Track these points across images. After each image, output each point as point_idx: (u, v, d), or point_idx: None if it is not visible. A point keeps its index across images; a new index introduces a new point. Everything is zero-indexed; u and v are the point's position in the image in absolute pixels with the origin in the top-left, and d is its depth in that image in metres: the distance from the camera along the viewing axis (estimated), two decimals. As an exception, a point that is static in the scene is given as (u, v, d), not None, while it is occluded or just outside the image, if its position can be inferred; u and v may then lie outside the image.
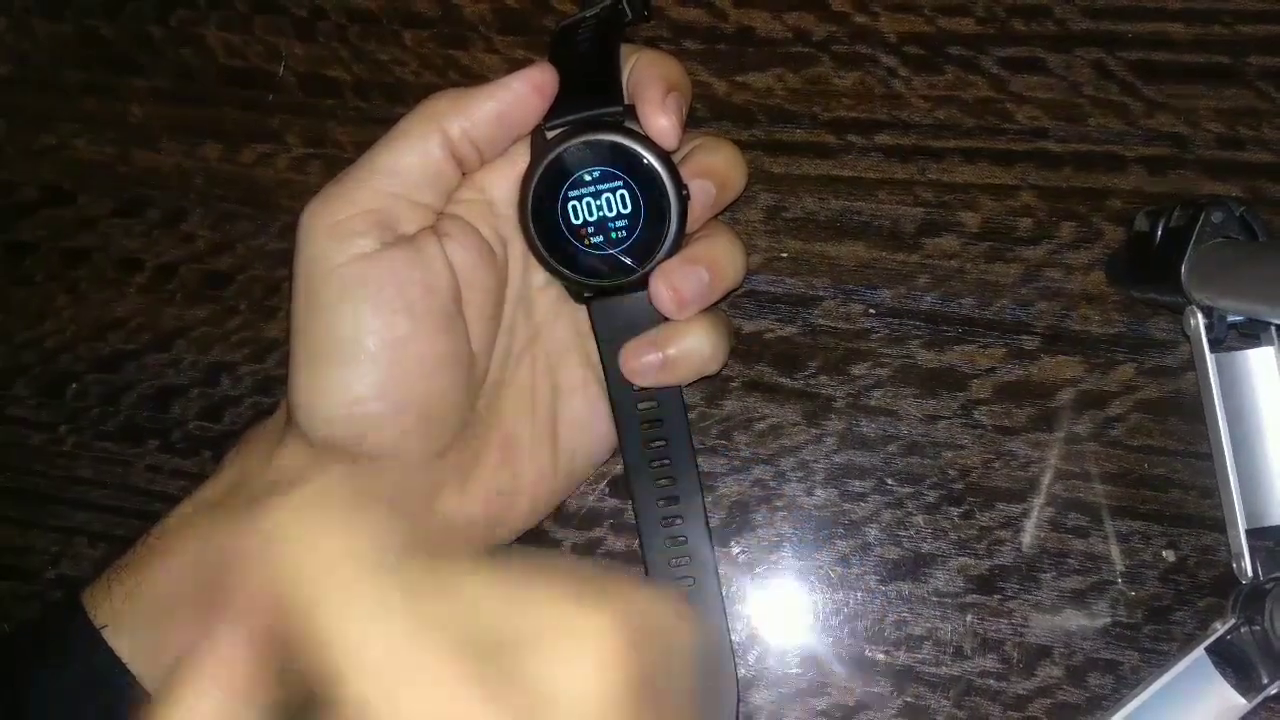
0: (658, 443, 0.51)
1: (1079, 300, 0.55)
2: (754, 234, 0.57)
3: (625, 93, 0.49)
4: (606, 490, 0.57)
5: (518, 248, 0.51)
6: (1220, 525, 0.51)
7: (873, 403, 0.56)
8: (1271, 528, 0.49)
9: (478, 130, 0.48)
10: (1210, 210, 0.49)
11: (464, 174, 0.49)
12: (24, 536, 0.62)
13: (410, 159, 0.47)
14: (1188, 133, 0.55)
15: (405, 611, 0.29)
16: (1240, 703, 0.48)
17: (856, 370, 0.56)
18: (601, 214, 0.48)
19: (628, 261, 0.49)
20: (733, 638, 0.54)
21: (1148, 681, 0.48)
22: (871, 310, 0.57)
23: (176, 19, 0.63)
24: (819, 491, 0.56)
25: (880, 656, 0.55)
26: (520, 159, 0.49)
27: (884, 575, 0.56)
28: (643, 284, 0.49)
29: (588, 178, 0.48)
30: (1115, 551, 0.54)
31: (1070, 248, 0.55)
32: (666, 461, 0.51)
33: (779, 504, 0.56)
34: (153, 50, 0.63)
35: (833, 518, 0.56)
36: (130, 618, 0.47)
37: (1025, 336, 0.55)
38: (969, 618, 0.55)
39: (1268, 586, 0.48)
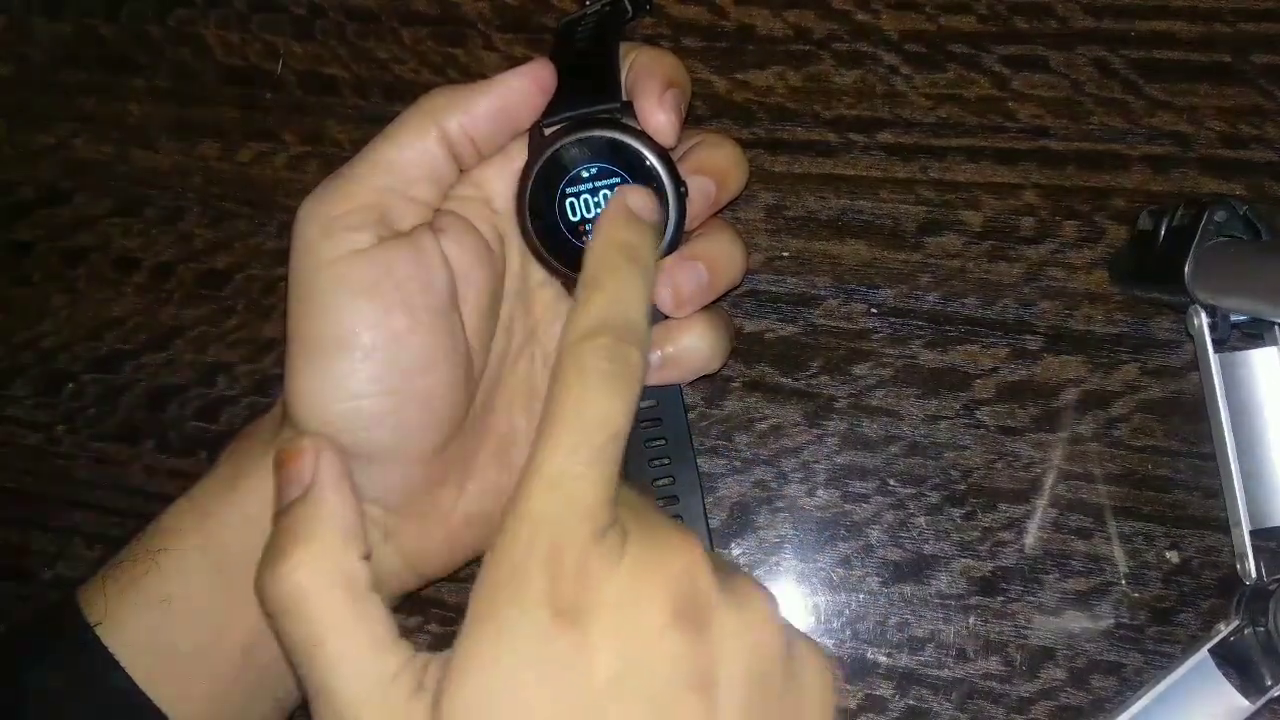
0: (657, 442, 0.51)
1: (1082, 300, 0.55)
2: (755, 233, 0.57)
3: (624, 89, 0.49)
4: (606, 491, 0.57)
5: (515, 244, 0.50)
6: (1224, 526, 0.51)
7: (874, 403, 0.56)
8: (1275, 528, 0.49)
9: (476, 126, 0.47)
10: (1213, 209, 0.49)
11: (462, 170, 0.49)
12: (21, 537, 0.62)
13: (407, 154, 0.47)
14: (1190, 131, 0.55)
15: None
16: (1244, 704, 0.47)
17: (858, 370, 0.56)
18: (600, 211, 0.48)
19: None
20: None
21: (1151, 683, 0.48)
22: (873, 310, 0.56)
23: (175, 18, 0.63)
24: (820, 492, 0.56)
25: (882, 659, 0.55)
26: (518, 155, 0.49)
27: (886, 577, 0.55)
28: None
29: (585, 174, 0.48)
30: (1118, 553, 0.54)
31: (1073, 247, 0.55)
32: (666, 461, 0.51)
33: (780, 505, 0.56)
34: (151, 49, 0.63)
35: (834, 519, 0.56)
36: (124, 615, 0.47)
37: (1028, 336, 0.55)
38: (972, 620, 0.54)
39: (1271, 587, 0.48)
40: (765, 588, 0.39)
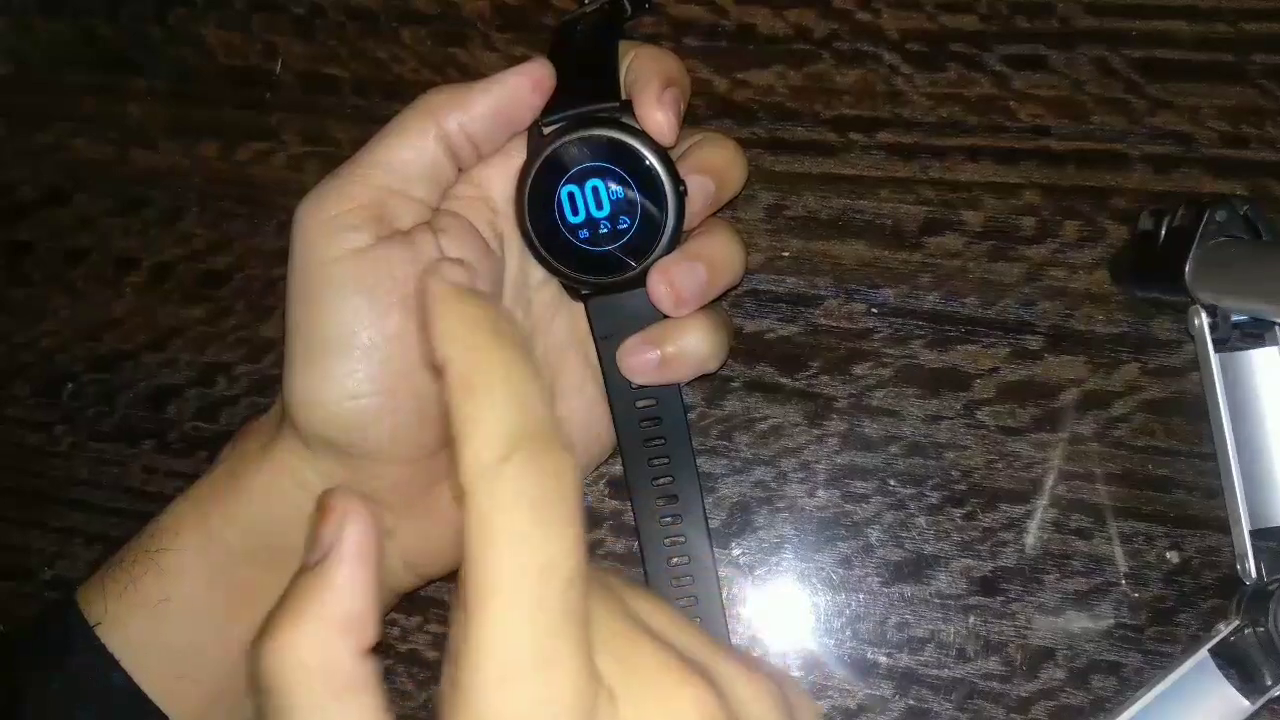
0: (656, 442, 0.51)
1: (1082, 300, 0.55)
2: (755, 233, 0.57)
3: (623, 88, 0.49)
4: (606, 491, 0.57)
5: (514, 244, 0.50)
6: (1224, 526, 0.50)
7: (875, 403, 0.56)
8: (1275, 528, 0.49)
9: (474, 126, 0.47)
10: (1214, 209, 0.49)
11: (460, 169, 0.49)
12: (21, 536, 0.62)
13: (406, 154, 0.47)
14: (1191, 131, 0.55)
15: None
16: (1244, 704, 0.47)
17: (858, 370, 0.56)
18: (599, 210, 0.48)
19: (625, 258, 0.49)
20: (733, 640, 0.53)
21: (1151, 683, 0.48)
22: (874, 310, 0.56)
23: (175, 18, 0.63)
24: (820, 492, 0.56)
25: (882, 659, 0.55)
26: (517, 155, 0.49)
27: (886, 577, 0.55)
28: (640, 281, 0.49)
29: (584, 173, 0.48)
30: (1119, 553, 0.54)
31: (1074, 247, 0.55)
32: (665, 461, 0.51)
33: (780, 505, 0.56)
34: (151, 49, 0.63)
35: (834, 519, 0.56)
36: (123, 615, 0.47)
37: (1028, 336, 0.55)
38: (971, 620, 0.54)
39: (1271, 588, 0.48)
40: (760, 679, 0.34)
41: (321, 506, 0.33)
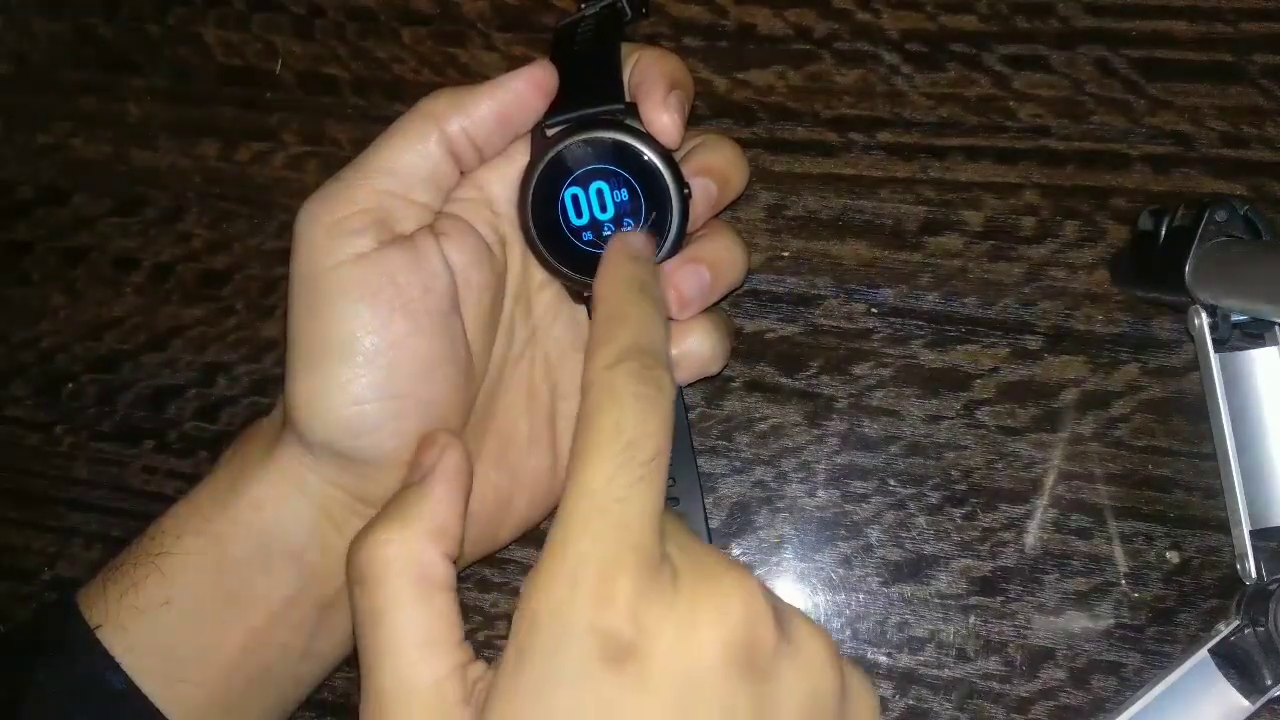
0: None
1: (1082, 300, 0.55)
2: (755, 233, 0.57)
3: (626, 90, 0.49)
4: (606, 491, 0.57)
5: (516, 247, 0.50)
6: (1224, 526, 0.51)
7: (875, 403, 0.56)
8: (1275, 528, 0.49)
9: (477, 129, 0.47)
10: (1214, 209, 0.49)
11: (462, 173, 0.49)
12: (20, 537, 0.62)
13: (408, 157, 0.47)
14: (1191, 131, 0.55)
15: None
16: (1244, 704, 0.47)
17: (858, 370, 0.56)
18: (602, 213, 0.48)
19: None
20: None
21: (1151, 683, 0.48)
22: (873, 310, 0.56)
23: (174, 17, 0.63)
24: (821, 492, 0.56)
25: (882, 659, 0.55)
26: (520, 158, 0.49)
27: (886, 577, 0.55)
28: None
29: (588, 176, 0.48)
30: (1119, 553, 0.54)
31: (1074, 247, 0.55)
32: (666, 461, 0.51)
33: (780, 505, 0.56)
34: (150, 49, 0.63)
35: (834, 519, 0.56)
36: (124, 618, 0.47)
37: (1028, 336, 0.55)
38: (972, 620, 0.54)
39: (1271, 588, 0.48)
40: (821, 627, 0.38)
41: (423, 441, 0.44)
